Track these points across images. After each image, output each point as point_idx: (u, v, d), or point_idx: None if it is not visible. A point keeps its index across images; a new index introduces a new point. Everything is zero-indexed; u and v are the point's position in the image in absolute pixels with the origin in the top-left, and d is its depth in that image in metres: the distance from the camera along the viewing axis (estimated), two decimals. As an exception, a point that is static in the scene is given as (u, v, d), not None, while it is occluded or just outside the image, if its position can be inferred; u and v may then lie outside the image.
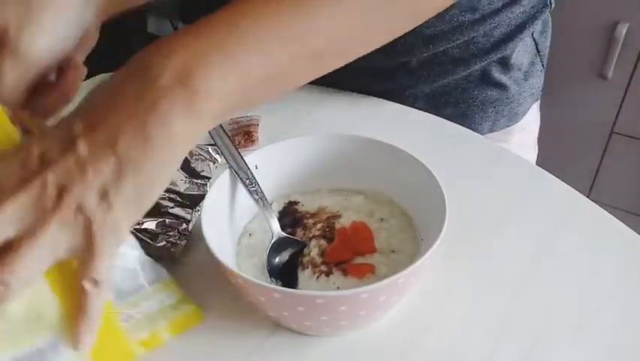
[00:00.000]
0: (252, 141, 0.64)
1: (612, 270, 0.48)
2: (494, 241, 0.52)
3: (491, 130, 0.75)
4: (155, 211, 0.52)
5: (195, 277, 0.49)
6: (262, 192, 0.48)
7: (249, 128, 0.65)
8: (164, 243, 0.50)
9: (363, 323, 0.43)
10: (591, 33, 1.30)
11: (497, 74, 0.70)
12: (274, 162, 0.50)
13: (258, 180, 0.48)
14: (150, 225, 0.51)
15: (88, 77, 0.81)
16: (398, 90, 0.71)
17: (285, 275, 0.46)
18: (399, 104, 0.70)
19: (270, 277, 0.45)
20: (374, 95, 0.72)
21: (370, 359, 0.43)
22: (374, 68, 0.69)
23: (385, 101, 0.71)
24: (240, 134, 0.64)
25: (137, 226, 0.50)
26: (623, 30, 1.24)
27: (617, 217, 0.53)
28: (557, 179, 0.59)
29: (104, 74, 0.81)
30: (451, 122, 0.67)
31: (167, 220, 0.51)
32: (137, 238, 0.49)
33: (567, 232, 0.52)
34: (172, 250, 0.50)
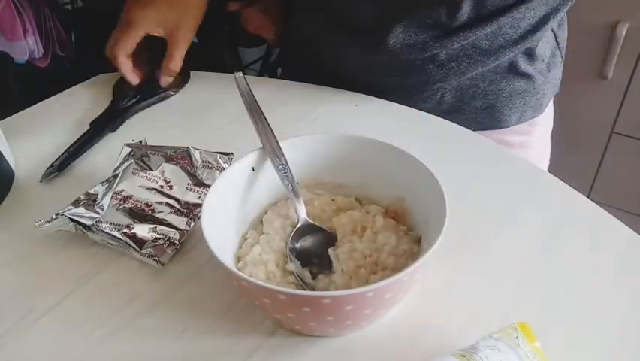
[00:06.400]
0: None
1: (612, 270, 0.49)
2: (494, 241, 0.52)
3: (518, 121, 0.76)
4: (149, 217, 0.52)
5: (195, 276, 0.49)
6: (293, 177, 0.49)
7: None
8: (149, 250, 0.49)
9: (367, 322, 0.43)
10: (591, 33, 1.30)
11: (524, 65, 0.71)
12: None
13: (255, 180, 0.49)
14: (141, 231, 0.50)
15: (88, 76, 0.82)
16: (427, 84, 0.71)
17: (305, 260, 0.47)
18: (398, 104, 0.70)
19: (290, 258, 0.46)
20: (403, 91, 0.72)
21: (370, 359, 0.43)
22: (403, 62, 0.69)
23: (385, 100, 0.71)
24: (240, 135, 0.64)
25: (127, 231, 0.50)
26: (623, 30, 1.24)
27: (617, 217, 0.53)
28: (557, 179, 0.59)
29: (105, 74, 0.81)
30: (450, 122, 0.67)
31: (159, 227, 0.51)
32: (125, 243, 0.49)
33: (567, 231, 0.52)
34: (157, 259, 0.49)
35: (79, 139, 0.66)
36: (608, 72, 1.30)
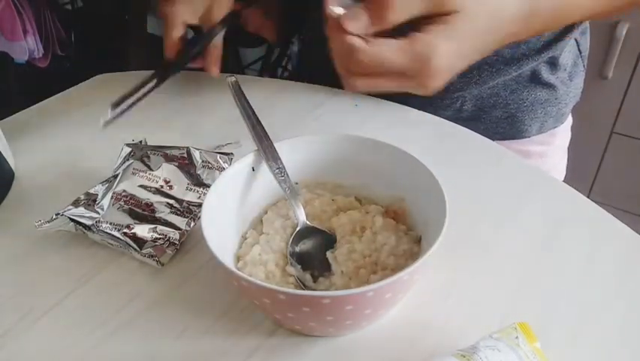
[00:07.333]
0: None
1: (612, 270, 0.48)
2: (494, 241, 0.52)
3: (539, 131, 0.74)
4: (149, 217, 0.52)
5: (195, 276, 0.49)
6: (290, 181, 0.49)
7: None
8: (149, 250, 0.49)
9: (367, 322, 0.43)
10: (591, 33, 1.30)
11: (546, 74, 0.70)
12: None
13: (255, 180, 0.49)
14: (142, 231, 0.50)
15: (88, 76, 0.82)
16: (447, 92, 0.70)
17: (306, 263, 0.47)
18: (398, 105, 0.70)
19: (291, 262, 0.46)
20: (421, 98, 0.71)
21: (370, 359, 0.43)
22: None
23: (385, 101, 0.71)
24: (240, 135, 0.64)
25: (127, 231, 0.50)
26: (623, 30, 1.24)
27: (617, 217, 0.53)
28: (557, 179, 0.59)
29: (105, 74, 0.81)
30: (451, 123, 0.67)
31: (159, 227, 0.51)
32: (125, 243, 0.49)
33: (567, 231, 0.52)
34: (157, 259, 0.49)
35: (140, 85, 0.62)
36: (608, 72, 1.31)
